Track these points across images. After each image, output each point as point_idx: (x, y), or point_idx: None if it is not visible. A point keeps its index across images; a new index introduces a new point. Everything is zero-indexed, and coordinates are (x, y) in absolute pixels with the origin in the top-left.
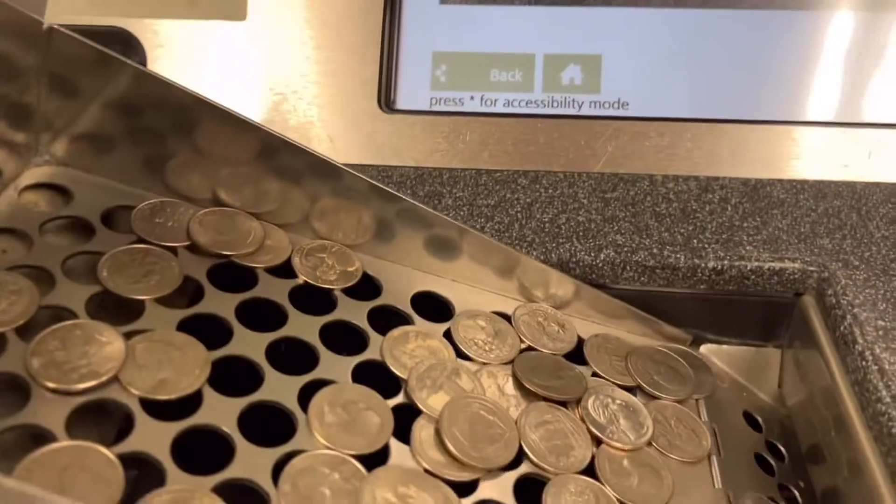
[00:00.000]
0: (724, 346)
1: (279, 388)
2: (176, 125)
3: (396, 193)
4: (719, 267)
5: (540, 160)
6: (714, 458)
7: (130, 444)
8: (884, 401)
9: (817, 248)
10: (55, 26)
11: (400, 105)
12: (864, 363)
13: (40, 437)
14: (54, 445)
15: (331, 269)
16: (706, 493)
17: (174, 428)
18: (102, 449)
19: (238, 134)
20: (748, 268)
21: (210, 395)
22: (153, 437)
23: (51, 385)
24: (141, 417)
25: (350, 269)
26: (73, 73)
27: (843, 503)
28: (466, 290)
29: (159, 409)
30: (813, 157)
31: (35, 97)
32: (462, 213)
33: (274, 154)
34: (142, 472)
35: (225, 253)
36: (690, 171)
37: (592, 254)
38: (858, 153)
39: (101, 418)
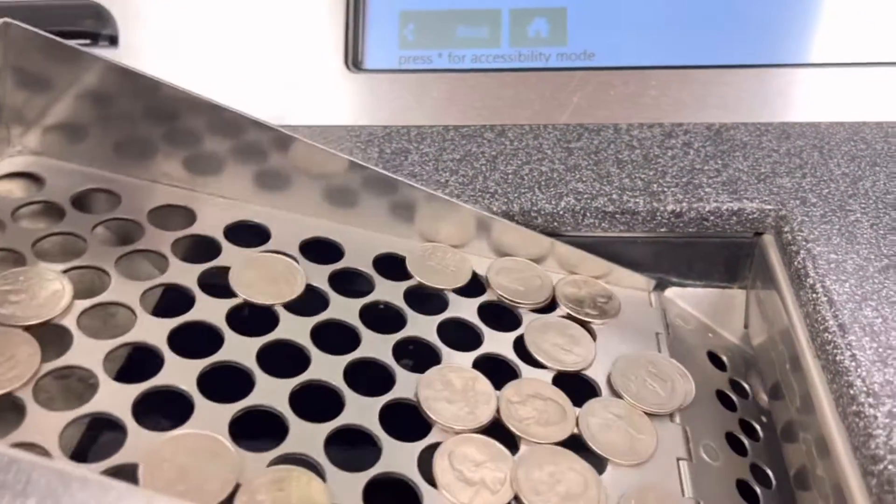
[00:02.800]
0: (689, 289)
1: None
2: (145, 111)
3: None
4: (678, 210)
5: (507, 114)
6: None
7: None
8: (830, 329)
9: (776, 188)
10: (9, 21)
11: (368, 65)
12: (814, 295)
13: None
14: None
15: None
16: (664, 428)
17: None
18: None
19: (203, 115)
20: (706, 209)
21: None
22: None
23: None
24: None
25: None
26: (36, 65)
27: (798, 436)
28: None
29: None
30: (778, 99)
31: (2, 92)
32: (427, 167)
33: (240, 132)
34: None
35: None
36: (655, 119)
37: (553, 202)
38: (823, 94)
39: None
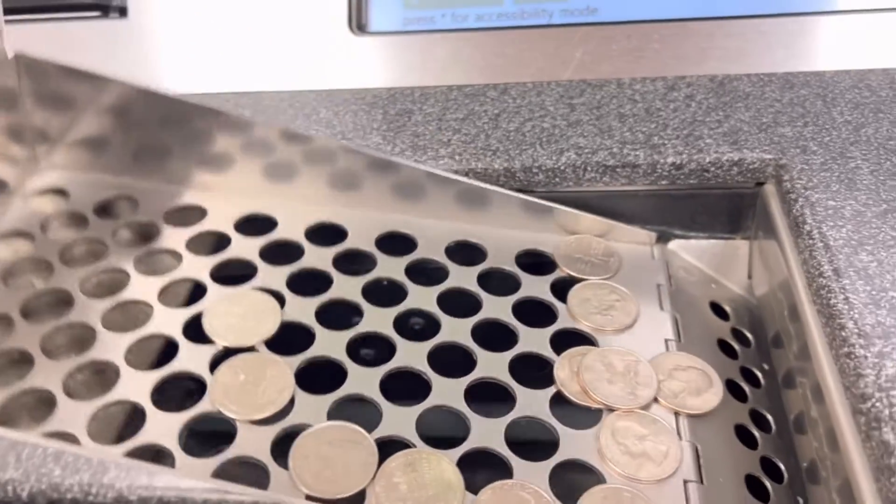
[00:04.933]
0: (693, 241)
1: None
2: (160, 120)
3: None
4: (678, 161)
5: (510, 72)
6: (672, 343)
7: None
8: (825, 274)
9: (778, 137)
10: (20, 53)
11: (372, 28)
12: (811, 241)
13: None
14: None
15: None
16: None
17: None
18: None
19: (211, 120)
20: (707, 160)
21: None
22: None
23: None
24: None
25: None
26: (54, 89)
27: (797, 382)
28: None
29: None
30: (781, 49)
31: (23, 115)
32: (430, 127)
33: (246, 131)
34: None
35: None
36: (658, 72)
37: (554, 157)
38: (827, 42)
39: None
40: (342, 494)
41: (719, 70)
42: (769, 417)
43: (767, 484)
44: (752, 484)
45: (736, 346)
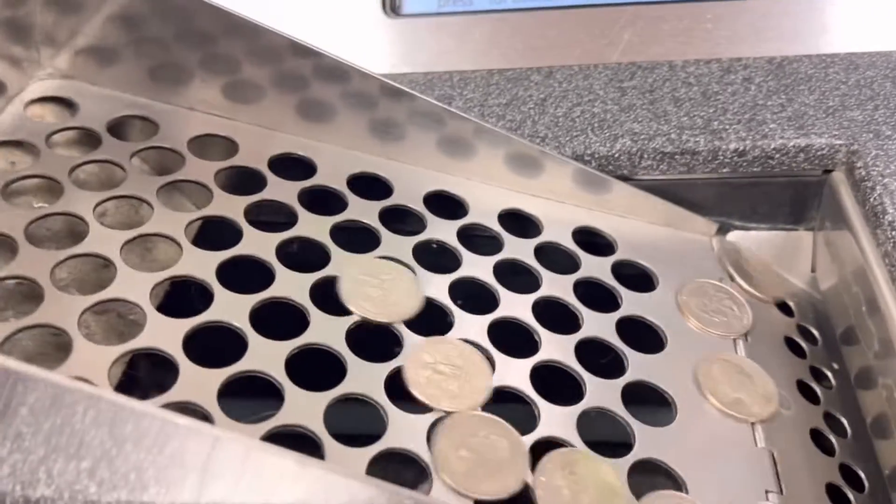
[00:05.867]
0: (753, 232)
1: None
2: (180, 33)
3: (407, 90)
4: (741, 148)
5: (553, 55)
6: (740, 342)
7: None
8: None
9: (847, 121)
10: None
11: (406, 10)
12: (893, 233)
13: None
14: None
15: None
16: None
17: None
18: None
19: (242, 37)
20: (772, 146)
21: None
22: None
23: None
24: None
25: None
26: None
27: (877, 382)
28: (481, 187)
29: None
30: (843, 29)
31: (32, 11)
32: (473, 114)
33: (281, 57)
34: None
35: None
36: (712, 54)
37: (608, 144)
38: (893, 19)
39: None
40: (501, 496)
41: (777, 51)
42: (844, 421)
43: (849, 493)
44: (833, 493)
45: (803, 344)
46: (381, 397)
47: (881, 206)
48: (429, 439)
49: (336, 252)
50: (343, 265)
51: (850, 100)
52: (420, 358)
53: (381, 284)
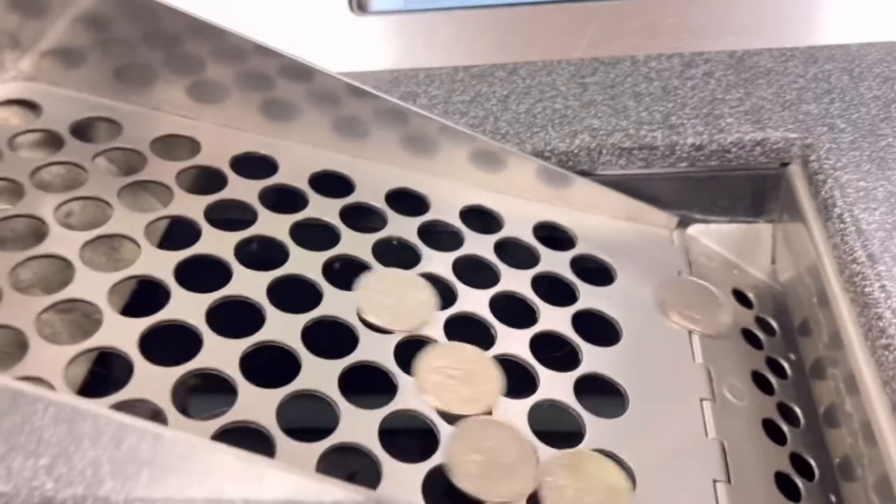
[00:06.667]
0: (713, 226)
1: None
2: (144, 35)
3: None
4: (698, 142)
5: (518, 51)
6: (695, 335)
7: None
8: (859, 260)
9: (802, 115)
10: None
11: (373, 7)
12: (842, 225)
13: None
14: None
15: None
16: (686, 368)
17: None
18: None
19: (206, 39)
20: (728, 140)
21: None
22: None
23: None
24: None
25: None
26: None
27: (827, 373)
28: (444, 184)
29: None
30: (803, 22)
31: None
32: (436, 110)
33: (245, 57)
34: None
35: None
36: (674, 48)
37: (567, 140)
38: (853, 13)
39: None
40: (512, 499)
41: (738, 45)
42: (797, 410)
43: (798, 482)
44: (782, 482)
45: (761, 335)
46: (334, 393)
47: (831, 199)
48: (380, 437)
49: (295, 250)
50: (362, 279)
51: (807, 93)
52: (431, 363)
53: (391, 293)
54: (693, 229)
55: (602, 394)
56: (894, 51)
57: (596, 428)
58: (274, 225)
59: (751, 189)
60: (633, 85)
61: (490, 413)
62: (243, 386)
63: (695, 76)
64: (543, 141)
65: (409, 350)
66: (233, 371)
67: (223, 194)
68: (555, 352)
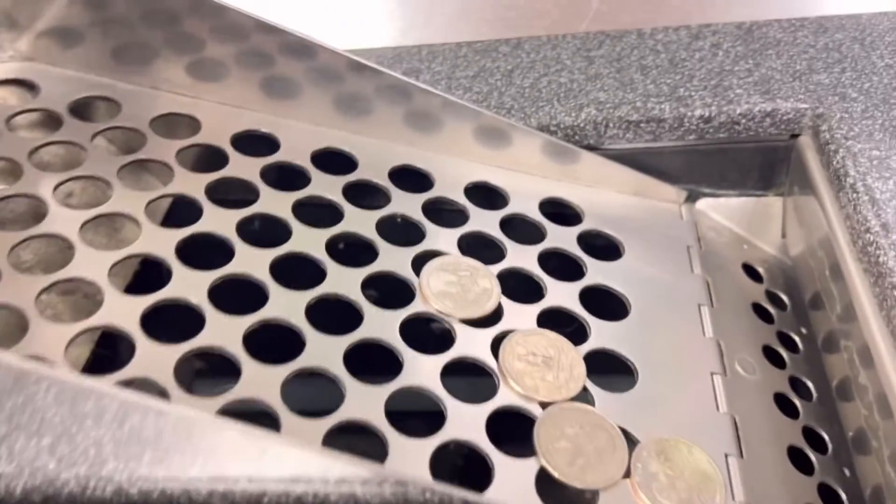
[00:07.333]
0: (723, 199)
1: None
2: (143, 13)
3: (373, 65)
4: (707, 114)
5: (522, 26)
6: (705, 309)
7: None
8: (873, 230)
9: (813, 85)
10: None
11: None
12: (854, 195)
13: None
14: None
15: None
16: (696, 342)
17: None
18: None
19: (205, 16)
20: (737, 112)
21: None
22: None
23: None
24: None
25: None
26: None
27: (840, 346)
28: (448, 161)
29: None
30: None
31: None
32: (440, 87)
33: (245, 35)
34: None
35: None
36: (681, 20)
37: (573, 114)
38: None
39: None
40: (603, 485)
41: (747, 16)
42: (809, 384)
43: (811, 455)
44: (795, 455)
45: (771, 309)
46: (339, 370)
47: (843, 168)
48: (386, 411)
49: (297, 228)
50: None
51: (818, 63)
52: (514, 349)
53: (459, 282)
54: (702, 203)
55: (611, 369)
56: None
57: (606, 403)
58: (276, 203)
59: (760, 161)
60: (639, 58)
61: (573, 399)
62: (247, 363)
63: (702, 48)
64: (549, 115)
65: (415, 327)
66: (236, 349)
67: (224, 172)
68: (563, 328)
